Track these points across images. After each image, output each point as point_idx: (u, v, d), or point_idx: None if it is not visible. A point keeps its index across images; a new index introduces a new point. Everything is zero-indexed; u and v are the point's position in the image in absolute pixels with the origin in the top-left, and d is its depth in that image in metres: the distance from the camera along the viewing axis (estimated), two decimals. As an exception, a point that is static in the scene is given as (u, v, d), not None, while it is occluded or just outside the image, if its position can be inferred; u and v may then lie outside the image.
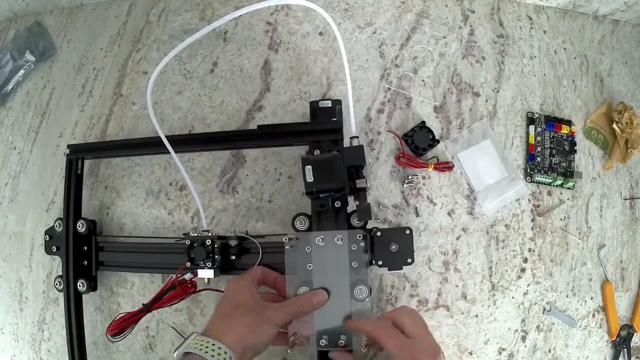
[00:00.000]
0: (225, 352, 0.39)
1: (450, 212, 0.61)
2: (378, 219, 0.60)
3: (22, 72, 0.76)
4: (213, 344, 0.39)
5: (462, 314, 0.59)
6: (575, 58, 0.68)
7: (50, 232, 0.64)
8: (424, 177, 0.61)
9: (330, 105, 0.56)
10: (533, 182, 0.62)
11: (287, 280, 0.50)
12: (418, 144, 0.60)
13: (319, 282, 0.50)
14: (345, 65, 0.50)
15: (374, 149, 0.61)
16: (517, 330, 0.60)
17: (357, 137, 0.52)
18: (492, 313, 0.59)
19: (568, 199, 0.63)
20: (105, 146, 0.64)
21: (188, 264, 0.55)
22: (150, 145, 0.60)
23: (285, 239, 0.51)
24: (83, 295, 0.62)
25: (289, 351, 0.48)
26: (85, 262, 0.62)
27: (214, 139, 0.60)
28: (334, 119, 0.56)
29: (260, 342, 0.43)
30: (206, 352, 0.39)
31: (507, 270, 0.60)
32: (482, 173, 0.61)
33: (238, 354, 0.40)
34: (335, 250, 0.50)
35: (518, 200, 0.62)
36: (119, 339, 0.54)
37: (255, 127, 0.58)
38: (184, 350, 0.39)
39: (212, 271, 0.55)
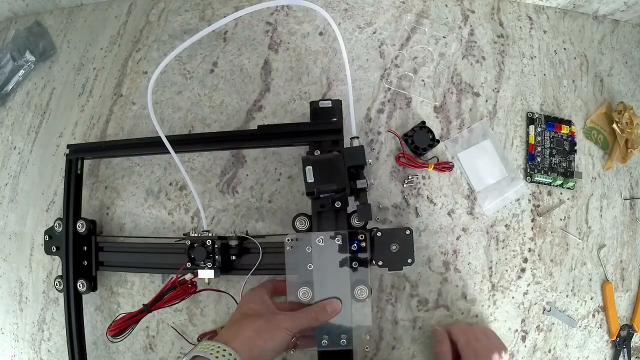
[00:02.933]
0: (230, 354, 0.39)
1: (450, 212, 0.61)
2: (378, 219, 0.60)
3: (22, 72, 0.76)
4: (219, 347, 0.40)
5: (462, 314, 0.59)
6: (575, 58, 0.68)
7: (49, 232, 0.64)
8: (424, 177, 0.61)
9: (330, 105, 0.56)
10: (533, 182, 0.62)
11: (287, 280, 0.50)
12: (418, 144, 0.60)
13: (319, 282, 0.50)
14: (346, 65, 0.50)
15: (374, 149, 0.61)
16: (517, 330, 0.60)
17: (357, 137, 0.52)
18: (492, 313, 0.59)
19: (568, 199, 0.63)
20: (105, 146, 0.64)
21: (188, 264, 0.55)
22: (150, 145, 0.60)
23: (287, 239, 0.51)
24: (83, 295, 0.62)
25: (291, 352, 0.48)
26: (85, 262, 0.62)
27: (214, 139, 0.60)
28: (334, 119, 0.56)
29: (270, 347, 0.43)
30: (211, 353, 0.39)
31: (507, 270, 0.60)
32: (482, 173, 0.61)
33: (245, 358, 0.40)
34: (335, 251, 0.50)
35: (518, 200, 0.62)
36: (120, 340, 0.54)
37: (255, 127, 0.58)
38: (192, 354, 0.39)
39: (212, 271, 0.55)
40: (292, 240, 0.51)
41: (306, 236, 0.51)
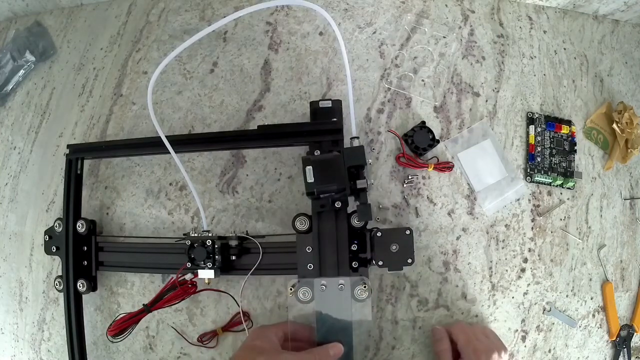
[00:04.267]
0: None
1: (450, 212, 0.61)
2: (378, 219, 0.60)
3: (22, 72, 0.76)
4: None
5: (462, 314, 0.59)
6: (575, 58, 0.68)
7: (49, 232, 0.64)
8: (424, 177, 0.61)
9: (330, 105, 0.56)
10: (533, 182, 0.62)
11: (289, 324, 0.50)
12: (418, 144, 0.60)
13: (318, 282, 0.50)
14: (346, 65, 0.50)
15: (374, 149, 0.61)
16: (517, 330, 0.60)
17: (357, 137, 0.52)
18: (492, 313, 0.59)
19: (568, 199, 0.63)
20: (105, 146, 0.64)
21: (188, 265, 0.55)
22: (150, 145, 0.60)
23: (290, 288, 0.50)
24: (83, 295, 0.62)
25: None
26: (85, 262, 0.62)
27: (214, 139, 0.60)
28: (334, 119, 0.56)
29: None
30: None
31: (507, 270, 0.60)
32: (482, 173, 0.61)
33: None
34: (338, 294, 0.50)
35: (518, 200, 0.62)
36: (120, 340, 0.55)
37: (255, 127, 0.58)
38: None
39: (212, 271, 0.55)
40: (294, 286, 0.50)
41: (309, 282, 0.51)
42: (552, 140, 0.63)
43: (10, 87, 0.77)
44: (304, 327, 0.51)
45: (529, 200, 0.62)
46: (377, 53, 0.64)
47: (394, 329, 0.58)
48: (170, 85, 0.67)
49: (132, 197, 0.66)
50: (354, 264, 0.52)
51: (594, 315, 0.62)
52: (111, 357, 0.64)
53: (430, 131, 0.60)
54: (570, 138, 0.64)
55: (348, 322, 0.50)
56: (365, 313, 0.50)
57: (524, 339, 0.60)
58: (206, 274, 0.55)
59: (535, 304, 0.60)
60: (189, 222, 0.63)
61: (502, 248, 0.60)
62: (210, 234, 0.56)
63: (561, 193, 0.63)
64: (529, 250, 0.61)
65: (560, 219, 0.62)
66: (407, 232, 0.53)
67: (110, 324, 0.55)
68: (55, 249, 0.63)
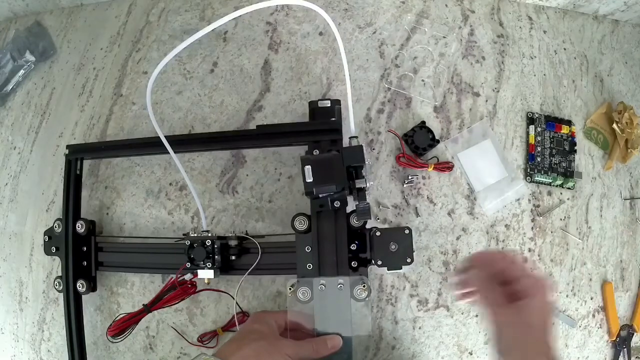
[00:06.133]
0: None
1: (450, 212, 0.60)
2: (378, 218, 0.60)
3: (22, 72, 0.76)
4: None
5: (462, 314, 0.59)
6: (575, 58, 0.68)
7: (49, 232, 0.64)
8: (424, 177, 0.61)
9: (329, 105, 0.56)
10: (533, 182, 0.62)
11: (289, 318, 0.50)
12: (418, 144, 0.60)
13: (318, 281, 0.50)
14: (345, 66, 0.50)
15: (374, 149, 0.61)
16: (517, 330, 0.60)
17: (356, 137, 0.52)
18: (492, 313, 0.59)
19: (568, 199, 0.63)
20: (104, 146, 0.64)
21: (188, 265, 0.55)
22: (150, 145, 0.60)
23: (289, 287, 0.50)
24: (83, 295, 0.62)
25: None
26: (85, 262, 0.62)
27: (214, 139, 0.60)
28: (333, 119, 0.56)
29: None
30: None
31: (507, 270, 0.60)
32: (482, 173, 0.61)
33: None
34: (337, 294, 0.50)
35: (518, 200, 0.62)
36: (120, 340, 0.54)
37: (255, 127, 0.57)
38: None
39: (212, 271, 0.55)
40: (294, 286, 0.50)
41: (307, 282, 0.51)
42: (552, 140, 0.63)
43: (10, 87, 0.77)
44: (304, 317, 0.51)
45: (529, 200, 0.62)
46: (377, 53, 0.64)
47: (394, 329, 0.58)
48: (170, 85, 0.67)
49: (132, 197, 0.66)
50: (353, 264, 0.52)
51: (594, 315, 0.62)
52: (111, 357, 0.64)
53: (430, 131, 0.60)
54: (570, 138, 0.64)
55: (347, 322, 0.49)
56: (365, 313, 0.50)
57: (524, 339, 0.60)
58: (206, 274, 0.55)
59: (535, 304, 0.60)
60: (189, 222, 0.63)
61: (502, 248, 0.60)
62: (209, 234, 0.56)
63: (561, 193, 0.63)
64: (529, 250, 0.61)
65: (560, 219, 0.62)
66: (406, 231, 0.53)
67: (110, 324, 0.55)
68: (55, 249, 0.63)
